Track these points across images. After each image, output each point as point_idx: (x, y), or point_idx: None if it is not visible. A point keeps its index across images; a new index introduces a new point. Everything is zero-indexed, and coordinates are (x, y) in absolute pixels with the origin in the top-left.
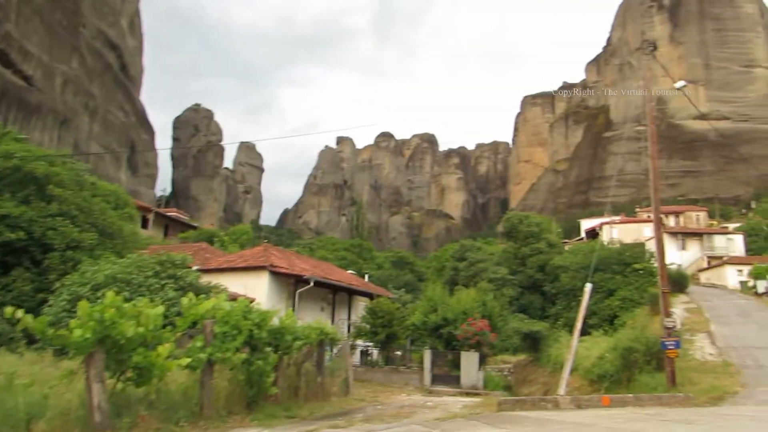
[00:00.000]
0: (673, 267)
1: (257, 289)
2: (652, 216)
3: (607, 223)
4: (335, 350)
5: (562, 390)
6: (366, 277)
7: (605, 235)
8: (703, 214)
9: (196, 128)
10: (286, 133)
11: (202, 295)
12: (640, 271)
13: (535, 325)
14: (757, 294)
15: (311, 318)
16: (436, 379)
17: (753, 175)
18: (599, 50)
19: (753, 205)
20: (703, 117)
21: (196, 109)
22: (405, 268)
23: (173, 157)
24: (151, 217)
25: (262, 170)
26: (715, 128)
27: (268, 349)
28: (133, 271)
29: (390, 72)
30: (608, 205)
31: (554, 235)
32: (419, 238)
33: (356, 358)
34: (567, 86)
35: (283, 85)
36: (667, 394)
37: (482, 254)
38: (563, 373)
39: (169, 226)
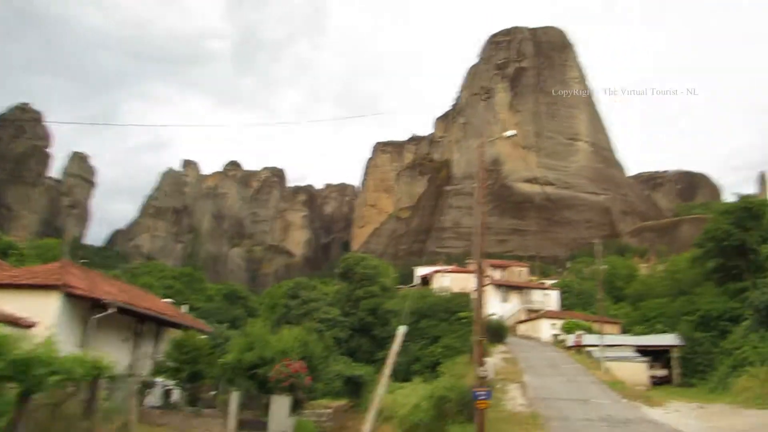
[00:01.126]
0: (495, 318)
1: (46, 313)
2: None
3: (438, 271)
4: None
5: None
6: (184, 308)
7: (436, 283)
8: (524, 270)
9: (20, 129)
10: (127, 150)
11: None
12: (464, 320)
13: (357, 369)
14: (566, 347)
15: (111, 350)
16: (242, 425)
17: (569, 238)
18: (448, 108)
19: (568, 264)
20: (533, 180)
21: (23, 108)
22: (237, 303)
23: None
24: None
25: (93, 184)
26: (543, 192)
27: (10, 385)
28: None
29: (245, 101)
30: (443, 255)
31: (390, 279)
32: (258, 273)
33: (156, 398)
34: (416, 138)
35: (128, 99)
36: None
37: (317, 293)
38: (366, 424)
39: None
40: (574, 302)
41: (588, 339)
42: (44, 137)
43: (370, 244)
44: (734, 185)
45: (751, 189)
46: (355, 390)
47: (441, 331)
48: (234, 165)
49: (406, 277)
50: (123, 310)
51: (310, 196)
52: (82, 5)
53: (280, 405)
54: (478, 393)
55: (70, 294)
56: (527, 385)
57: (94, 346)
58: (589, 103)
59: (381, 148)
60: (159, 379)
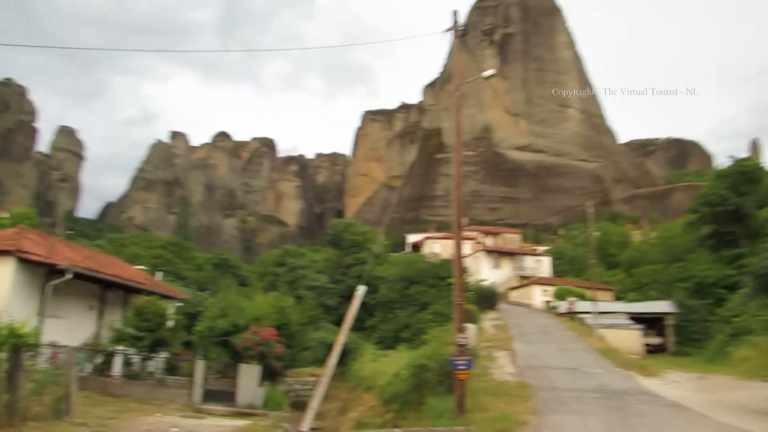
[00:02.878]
0: (486, 284)
1: (1, 280)
2: (471, 235)
3: (429, 237)
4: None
5: (305, 426)
6: (159, 274)
7: (427, 250)
8: (517, 237)
9: (5, 104)
10: (117, 124)
11: None
12: (453, 285)
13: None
14: (558, 314)
15: (75, 319)
16: (208, 396)
17: (561, 206)
18: (436, 75)
19: (561, 231)
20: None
21: (7, 83)
22: (228, 272)
23: None
24: None
25: (82, 158)
26: (534, 159)
27: None
28: None
29: (233, 73)
30: (435, 223)
31: (380, 245)
32: (252, 243)
33: (117, 368)
34: (405, 106)
35: (114, 72)
36: (443, 430)
37: (305, 261)
38: (312, 400)
39: None
40: (566, 269)
41: (581, 306)
42: (30, 112)
43: (363, 213)
44: (724, 153)
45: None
46: (341, 358)
47: (430, 297)
48: (223, 136)
49: (399, 246)
50: (81, 276)
51: (301, 166)
52: None
53: (248, 374)
54: (458, 362)
55: (24, 260)
56: (517, 352)
57: (53, 314)
58: (578, 69)
59: (370, 116)
60: (121, 348)
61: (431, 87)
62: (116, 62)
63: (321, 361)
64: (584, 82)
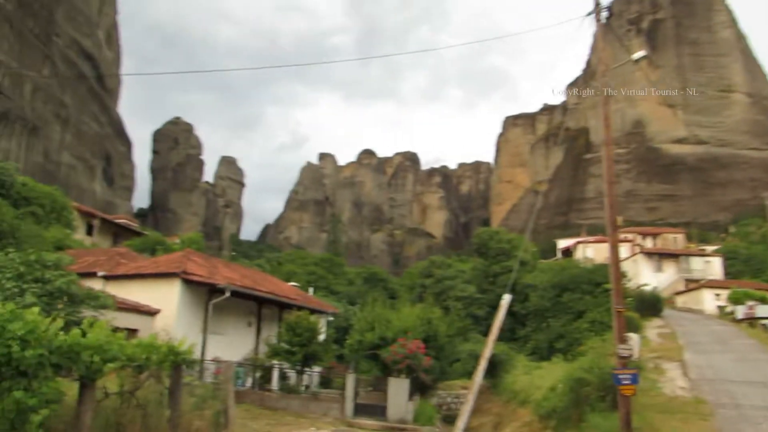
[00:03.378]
0: (648, 289)
1: (168, 299)
2: (628, 236)
3: (581, 242)
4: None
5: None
6: (311, 290)
7: (579, 254)
8: (680, 236)
9: (175, 141)
10: (271, 150)
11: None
12: (610, 291)
13: (493, 348)
14: (735, 320)
15: (235, 335)
16: (360, 410)
17: (731, 200)
18: (579, 73)
19: (732, 229)
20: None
21: (176, 122)
22: (377, 285)
23: (152, 170)
24: (96, 223)
25: (243, 185)
26: (695, 152)
27: (49, 372)
28: None
29: (373, 91)
30: (586, 227)
31: (527, 252)
32: (401, 256)
33: (274, 382)
34: (547, 108)
35: (266, 103)
36: None
37: (452, 271)
38: (460, 417)
39: (119, 233)
40: (741, 270)
41: (762, 311)
42: (197, 146)
43: (510, 220)
44: None
45: None
46: (490, 370)
47: (586, 305)
48: (368, 153)
49: (547, 251)
50: (238, 294)
51: (444, 177)
52: (217, 23)
53: (397, 388)
54: (621, 376)
55: (188, 280)
56: (689, 364)
57: (216, 331)
58: (742, 49)
59: (512, 121)
60: (276, 362)
61: (574, 86)
62: (268, 93)
63: (471, 374)
64: (750, 63)
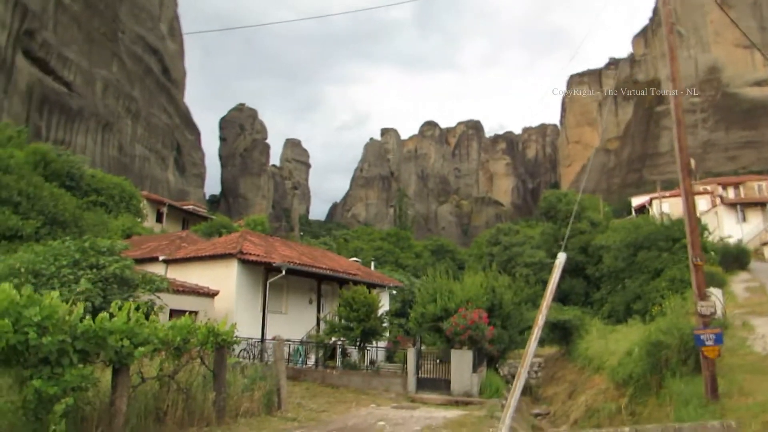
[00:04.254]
0: (732, 241)
1: (226, 280)
2: (707, 188)
3: (655, 197)
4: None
5: (504, 427)
6: (372, 265)
7: (654, 211)
8: (765, 184)
9: (241, 128)
10: (334, 130)
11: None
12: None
13: (563, 314)
14: None
15: (296, 313)
16: (423, 384)
17: None
18: (646, 22)
19: None
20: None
21: (240, 108)
22: (445, 257)
23: (221, 157)
24: (165, 210)
25: (309, 166)
26: None
27: (74, 358)
28: (46, 260)
29: (433, 62)
30: (661, 182)
31: (599, 213)
32: (469, 227)
33: (336, 359)
34: (614, 62)
35: (326, 83)
36: (693, 426)
37: (519, 237)
38: (512, 395)
39: (188, 219)
40: None
41: None
42: (261, 131)
43: (580, 182)
44: None
45: None
46: (563, 337)
47: (663, 263)
48: (430, 125)
49: (622, 211)
50: (295, 272)
51: (509, 142)
52: (276, 8)
53: (460, 360)
54: (703, 337)
55: (245, 260)
56: None
57: (276, 309)
58: None
59: (577, 79)
60: (339, 339)
61: (642, 36)
62: (328, 74)
63: (543, 341)
64: None
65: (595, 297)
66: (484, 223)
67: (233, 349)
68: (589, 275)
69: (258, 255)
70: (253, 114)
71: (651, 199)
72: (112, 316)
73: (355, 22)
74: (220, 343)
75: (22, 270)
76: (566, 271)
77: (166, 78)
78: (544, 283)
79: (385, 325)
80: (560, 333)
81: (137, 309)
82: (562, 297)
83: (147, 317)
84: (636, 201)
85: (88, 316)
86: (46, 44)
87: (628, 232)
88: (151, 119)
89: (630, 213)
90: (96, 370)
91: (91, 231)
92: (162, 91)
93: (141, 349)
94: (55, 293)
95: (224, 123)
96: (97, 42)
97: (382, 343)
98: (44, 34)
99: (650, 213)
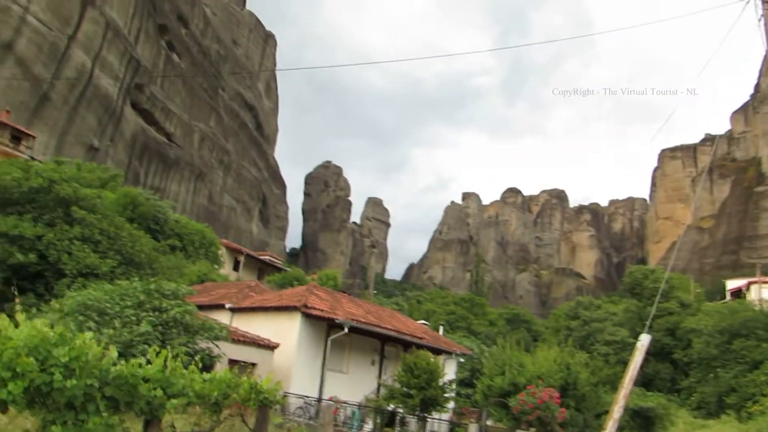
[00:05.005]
0: None
1: (288, 333)
2: None
3: (754, 282)
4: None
5: None
6: (441, 330)
7: (753, 296)
8: None
9: (326, 184)
10: (417, 191)
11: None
12: None
13: (646, 400)
14: None
15: (357, 373)
16: None
17: None
18: (746, 99)
19: None
20: None
21: (326, 165)
22: (520, 326)
23: (304, 211)
24: (242, 259)
25: (388, 225)
26: None
27: (101, 405)
28: (112, 300)
29: (517, 128)
30: (760, 266)
31: (689, 294)
32: (548, 298)
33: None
34: (710, 138)
35: (412, 145)
36: None
37: (600, 313)
38: None
39: (263, 269)
40: None
41: None
42: (345, 188)
43: (669, 259)
44: None
45: None
46: (646, 425)
47: (763, 354)
48: (512, 191)
49: (713, 294)
50: (358, 330)
51: (594, 214)
52: (366, 70)
53: None
54: None
55: (308, 314)
56: None
57: (336, 368)
58: None
59: (669, 154)
60: (393, 406)
61: (742, 113)
62: (415, 136)
63: (621, 430)
64: None
65: (683, 384)
66: (564, 295)
67: (276, 409)
68: (676, 360)
69: (322, 310)
70: (338, 171)
71: (749, 283)
72: (149, 362)
73: (442, 86)
74: (263, 402)
75: (89, 308)
76: (650, 354)
77: (259, 133)
78: (625, 363)
79: (448, 395)
80: (641, 421)
81: (191, 356)
82: (645, 381)
83: (205, 366)
84: (731, 284)
85: (123, 361)
86: (152, 97)
87: (723, 316)
88: (241, 171)
89: (724, 297)
90: (127, 420)
91: (165, 274)
92: (254, 146)
93: (174, 401)
94: (89, 334)
95: (310, 179)
96: (198, 97)
97: (444, 415)
98: (152, 88)
99: (747, 298)
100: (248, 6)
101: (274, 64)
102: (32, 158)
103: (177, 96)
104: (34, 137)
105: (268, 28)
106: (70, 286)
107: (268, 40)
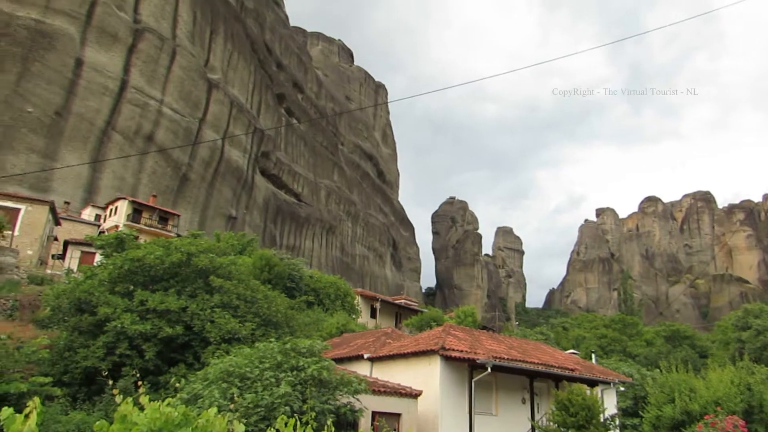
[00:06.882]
0: None
1: (429, 379)
2: None
3: None
4: None
5: None
6: (594, 358)
7: None
8: None
9: (453, 220)
10: (547, 214)
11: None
12: None
13: None
14: None
15: (507, 414)
16: None
17: None
18: None
19: None
20: None
21: (451, 202)
22: (682, 344)
23: (434, 250)
24: (377, 305)
25: (522, 253)
26: None
27: None
28: (252, 363)
29: (648, 134)
30: None
31: None
32: (708, 309)
33: None
34: None
35: (536, 168)
36: None
37: None
38: None
39: (400, 313)
40: None
41: None
42: (473, 221)
43: None
44: None
45: None
46: None
47: None
48: (651, 200)
49: None
50: (501, 368)
51: (749, 212)
52: (481, 101)
53: None
54: None
55: (447, 357)
56: None
57: (484, 410)
58: None
59: None
60: None
61: None
62: (537, 159)
63: None
64: None
65: None
66: (727, 303)
67: None
68: None
69: (461, 351)
70: (463, 206)
71: None
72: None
73: (561, 104)
74: None
75: (231, 374)
76: None
77: (381, 180)
78: None
79: (611, 431)
80: None
81: (333, 413)
82: None
83: (348, 422)
84: None
85: None
86: (279, 162)
87: None
88: (368, 219)
89: None
90: None
91: (303, 330)
92: (378, 193)
93: None
94: (213, 410)
95: (436, 217)
96: (320, 155)
97: None
98: (277, 154)
99: None
100: (356, 62)
101: (388, 113)
102: (178, 235)
103: (301, 157)
104: (178, 216)
105: (377, 79)
106: (215, 353)
107: (378, 90)
